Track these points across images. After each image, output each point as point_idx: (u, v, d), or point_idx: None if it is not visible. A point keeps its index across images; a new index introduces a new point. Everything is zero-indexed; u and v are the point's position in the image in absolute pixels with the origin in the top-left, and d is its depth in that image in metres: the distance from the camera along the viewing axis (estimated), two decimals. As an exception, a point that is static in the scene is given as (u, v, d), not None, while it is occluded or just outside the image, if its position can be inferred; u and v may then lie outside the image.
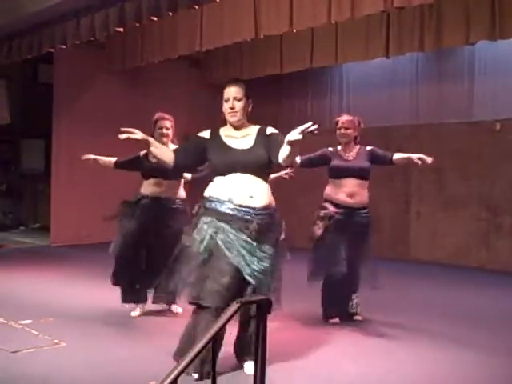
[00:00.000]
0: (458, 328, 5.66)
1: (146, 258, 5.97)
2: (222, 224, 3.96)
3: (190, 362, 2.35)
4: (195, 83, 12.89)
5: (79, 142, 11.32)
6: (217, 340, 2.51)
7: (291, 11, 7.81)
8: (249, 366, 4.05)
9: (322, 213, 5.61)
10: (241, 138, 4.16)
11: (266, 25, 8.20)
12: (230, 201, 3.99)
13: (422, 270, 9.23)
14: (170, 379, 2.28)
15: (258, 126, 4.22)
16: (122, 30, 8.84)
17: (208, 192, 4.15)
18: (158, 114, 6.01)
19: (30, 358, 4.43)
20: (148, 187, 5.98)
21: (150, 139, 4.34)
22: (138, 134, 4.17)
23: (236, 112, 4.14)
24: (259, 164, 4.06)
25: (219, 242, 3.94)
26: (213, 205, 4.04)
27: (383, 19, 9.12)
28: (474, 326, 5.77)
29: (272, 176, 4.95)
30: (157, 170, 5.62)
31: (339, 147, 5.85)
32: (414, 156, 5.49)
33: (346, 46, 9.80)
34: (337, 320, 5.75)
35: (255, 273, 3.91)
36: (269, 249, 3.99)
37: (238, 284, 3.92)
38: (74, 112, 11.26)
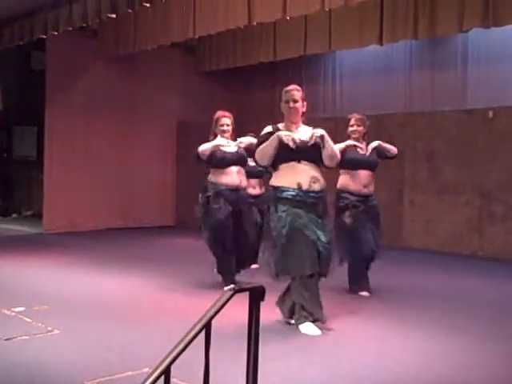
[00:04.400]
0: (450, 314, 5.68)
1: None
2: (296, 209, 4.86)
3: (180, 353, 2.35)
4: (189, 70, 12.88)
5: (72, 128, 11.32)
6: (210, 327, 2.52)
7: (285, -2, 7.79)
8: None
9: (343, 203, 6.30)
10: (297, 134, 4.94)
11: (260, 12, 8.17)
12: (299, 187, 4.88)
13: (415, 258, 9.26)
14: (162, 367, 2.29)
15: (311, 128, 5.03)
16: (114, 16, 8.82)
17: (277, 181, 4.98)
18: (219, 113, 6.53)
19: (23, 345, 4.43)
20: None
21: None
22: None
23: (294, 111, 5.02)
24: (317, 153, 4.95)
25: (299, 225, 4.85)
26: (287, 193, 4.89)
27: (377, 6, 9.12)
28: (467, 312, 5.79)
29: None
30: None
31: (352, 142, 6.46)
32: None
33: (339, 33, 9.79)
34: (366, 293, 6.40)
35: (324, 244, 4.91)
36: (326, 223, 5.04)
37: (315, 256, 4.89)
38: (66, 99, 11.22)
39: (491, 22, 8.00)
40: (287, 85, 5.26)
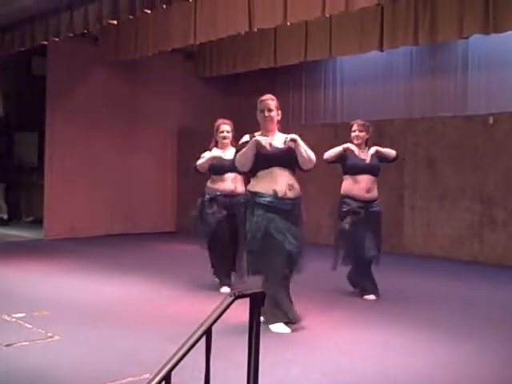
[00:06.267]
0: (452, 319, 5.67)
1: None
2: (271, 214, 5.02)
3: (181, 359, 2.35)
4: (189, 76, 12.91)
5: (73, 134, 11.32)
6: (211, 333, 2.52)
7: (285, 4, 7.82)
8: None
9: (346, 209, 6.41)
10: (272, 141, 5.11)
11: (260, 18, 8.19)
12: (274, 194, 5.04)
13: (416, 263, 9.25)
14: (163, 372, 2.29)
15: (285, 135, 5.19)
16: (115, 22, 8.85)
17: (254, 187, 5.15)
18: (219, 121, 6.80)
19: (24, 351, 4.42)
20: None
21: None
22: None
23: (269, 120, 5.21)
24: (291, 159, 5.11)
25: (271, 229, 5.01)
26: (264, 199, 5.06)
27: (377, 12, 9.15)
28: (468, 316, 5.78)
29: None
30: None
31: (353, 147, 6.49)
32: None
33: (339, 39, 9.82)
34: (372, 297, 6.47)
35: (293, 247, 5.06)
36: (299, 228, 5.16)
37: (285, 257, 5.06)
38: (67, 105, 11.22)
39: (491, 29, 8.02)
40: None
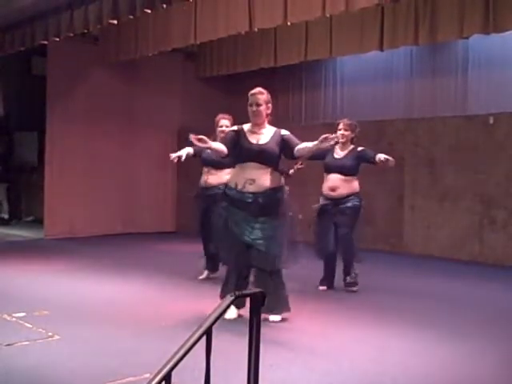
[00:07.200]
0: (451, 319, 5.68)
1: None
2: (233, 207, 5.22)
3: (181, 359, 2.35)
4: (189, 76, 12.91)
5: (73, 134, 11.32)
6: (211, 333, 2.51)
7: (285, 4, 7.81)
8: (273, 317, 5.27)
9: (316, 205, 6.68)
10: (259, 135, 5.26)
11: (260, 18, 8.19)
12: (236, 186, 5.20)
13: (416, 263, 9.25)
14: (163, 372, 2.29)
15: (275, 128, 5.34)
16: (115, 22, 8.85)
17: (229, 179, 5.40)
18: (219, 115, 7.07)
19: (24, 351, 4.42)
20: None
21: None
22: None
23: (257, 114, 5.25)
24: (269, 156, 5.19)
25: (230, 221, 5.22)
26: (229, 191, 5.28)
27: (378, 12, 9.15)
28: (468, 316, 5.79)
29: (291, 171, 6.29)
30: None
31: (337, 146, 6.67)
32: (381, 157, 6.33)
33: (340, 39, 9.82)
34: (324, 288, 6.78)
35: (256, 240, 5.14)
36: (270, 221, 5.18)
37: (246, 249, 5.20)
38: (67, 104, 11.23)
39: (491, 29, 8.02)
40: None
